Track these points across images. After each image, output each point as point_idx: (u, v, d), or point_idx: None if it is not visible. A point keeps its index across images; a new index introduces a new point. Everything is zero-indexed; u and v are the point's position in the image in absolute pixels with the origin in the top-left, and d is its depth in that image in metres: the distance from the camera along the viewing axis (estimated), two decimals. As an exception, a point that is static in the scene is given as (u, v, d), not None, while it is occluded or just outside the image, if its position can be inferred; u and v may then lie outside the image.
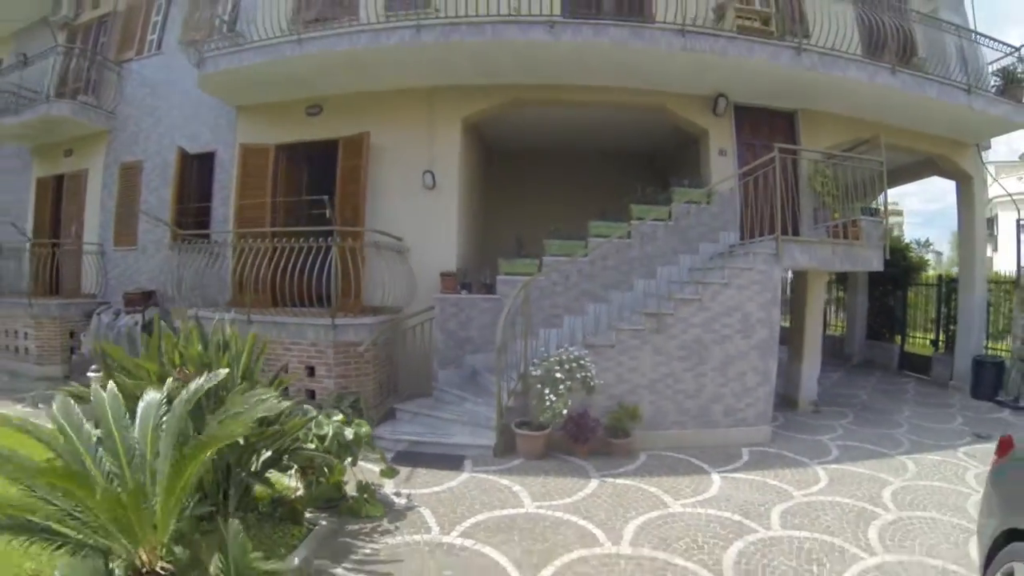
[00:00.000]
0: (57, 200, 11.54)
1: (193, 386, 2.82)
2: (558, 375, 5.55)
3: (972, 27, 9.38)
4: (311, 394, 6.51)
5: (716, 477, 5.39)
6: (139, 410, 3.08)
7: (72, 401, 3.17)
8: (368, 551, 3.89)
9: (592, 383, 5.74)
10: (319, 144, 8.58)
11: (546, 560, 3.75)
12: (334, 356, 6.34)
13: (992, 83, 8.87)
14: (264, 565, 2.86)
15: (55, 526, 2.56)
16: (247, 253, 7.26)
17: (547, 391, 5.55)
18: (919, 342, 12.44)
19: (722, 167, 8.07)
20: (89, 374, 6.87)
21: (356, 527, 4.25)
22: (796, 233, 7.59)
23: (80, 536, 2.59)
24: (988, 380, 9.13)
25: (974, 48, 8.82)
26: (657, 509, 4.62)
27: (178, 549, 2.68)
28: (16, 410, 7.19)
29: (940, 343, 11.46)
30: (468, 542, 4.02)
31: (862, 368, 12.31)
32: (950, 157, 9.54)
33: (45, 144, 11.61)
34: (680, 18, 7.08)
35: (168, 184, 9.82)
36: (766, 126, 8.41)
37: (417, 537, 4.09)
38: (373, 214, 8.03)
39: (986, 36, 8.87)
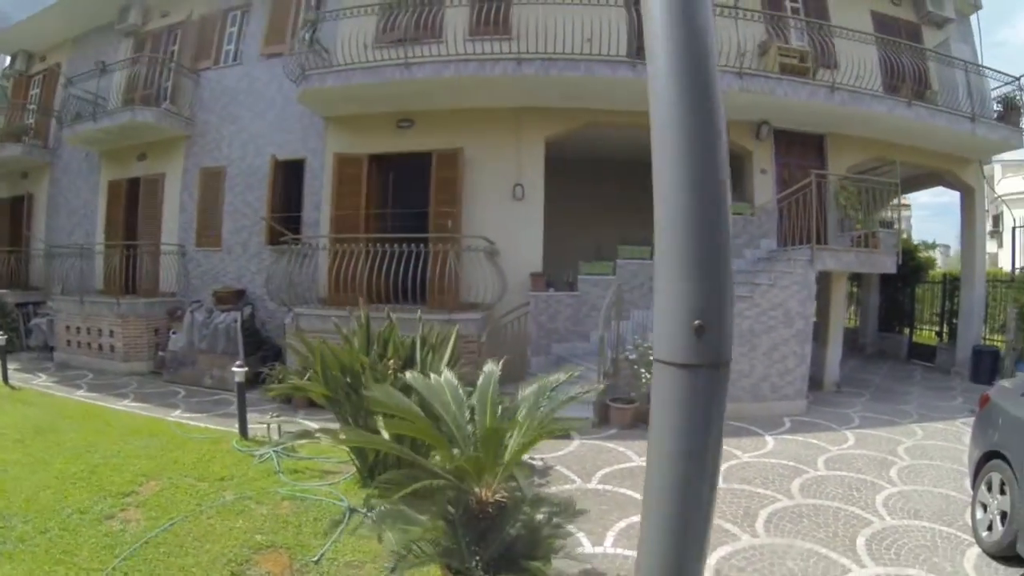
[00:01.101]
0: (130, 202, 12.81)
1: (487, 369, 4.51)
2: (651, 357, 7.46)
3: (979, 52, 11.57)
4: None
5: (769, 438, 7.40)
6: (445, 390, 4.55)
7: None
8: (534, 499, 5.71)
9: (674, 364, 7.70)
10: (409, 155, 10.14)
11: (665, 492, 5.69)
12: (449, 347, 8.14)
13: (994, 107, 10.99)
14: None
15: (435, 468, 3.72)
16: (345, 256, 8.96)
17: (642, 370, 7.51)
18: (926, 334, 14.57)
19: (763, 183, 10.15)
20: (234, 368, 8.08)
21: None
22: (825, 240, 9.57)
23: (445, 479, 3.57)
24: (985, 367, 11.16)
25: (979, 78, 10.90)
26: (733, 459, 6.57)
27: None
28: (125, 404, 8.38)
29: (944, 335, 13.60)
30: (607, 486, 5.64)
31: (875, 357, 14.47)
32: (955, 171, 11.70)
33: (116, 148, 12.88)
34: (734, 59, 8.98)
35: (252, 189, 11.40)
36: (799, 147, 10.48)
37: (567, 486, 5.64)
38: (466, 220, 9.74)
39: (990, 68, 11.02)
